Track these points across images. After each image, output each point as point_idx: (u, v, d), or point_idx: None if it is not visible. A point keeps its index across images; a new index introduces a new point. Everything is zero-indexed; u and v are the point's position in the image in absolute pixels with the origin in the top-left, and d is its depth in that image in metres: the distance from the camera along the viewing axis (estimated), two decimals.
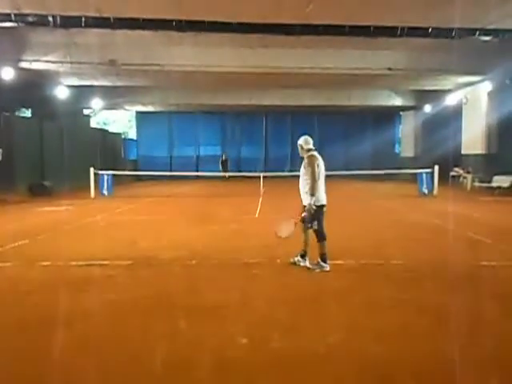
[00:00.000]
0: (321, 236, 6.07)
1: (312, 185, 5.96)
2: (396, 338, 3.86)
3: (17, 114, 21.05)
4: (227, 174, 25.84)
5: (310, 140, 6.32)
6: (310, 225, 6.07)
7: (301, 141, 6.31)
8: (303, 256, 6.30)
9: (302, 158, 6.29)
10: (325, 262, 6.05)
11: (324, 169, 6.23)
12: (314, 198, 5.97)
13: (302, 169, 6.23)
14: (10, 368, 3.38)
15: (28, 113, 22.14)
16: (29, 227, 9.81)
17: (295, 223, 6.12)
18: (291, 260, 6.36)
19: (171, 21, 12.70)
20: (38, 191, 17.21)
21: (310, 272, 5.98)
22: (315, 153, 6.22)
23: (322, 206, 6.13)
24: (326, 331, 4.01)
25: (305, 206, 6.14)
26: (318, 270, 6.00)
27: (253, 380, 3.20)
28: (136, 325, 4.20)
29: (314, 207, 6.00)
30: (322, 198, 6.13)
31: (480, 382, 3.18)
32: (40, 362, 3.48)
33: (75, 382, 3.20)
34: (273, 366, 3.38)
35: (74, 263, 6.42)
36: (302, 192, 6.22)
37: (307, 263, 6.23)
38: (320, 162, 6.15)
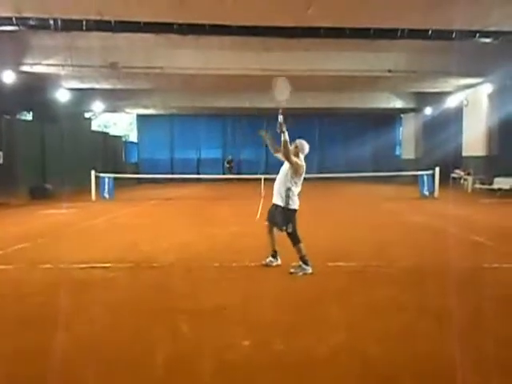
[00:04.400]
0: (295, 239, 5.99)
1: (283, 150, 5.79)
2: (398, 340, 3.85)
3: (18, 117, 21.09)
4: (232, 176, 26.46)
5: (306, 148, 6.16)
6: (284, 227, 5.96)
7: (301, 143, 6.16)
8: (274, 256, 6.31)
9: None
10: (306, 264, 5.97)
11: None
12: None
13: (286, 168, 6.05)
14: (11, 369, 3.38)
15: (29, 116, 22.17)
16: (30, 230, 9.81)
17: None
18: (263, 262, 6.34)
19: (172, 24, 12.73)
20: (40, 194, 17.22)
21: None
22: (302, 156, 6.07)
23: (295, 210, 6.03)
24: (327, 333, 4.01)
25: (277, 207, 6.02)
26: (300, 274, 5.93)
27: (255, 382, 3.20)
28: (137, 327, 4.19)
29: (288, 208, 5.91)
30: (297, 202, 6.05)
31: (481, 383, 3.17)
32: (40, 363, 3.48)
33: (75, 383, 3.21)
34: (274, 367, 3.38)
35: (75, 266, 6.42)
36: (276, 192, 6.07)
37: (279, 261, 6.26)
38: (304, 168, 6.01)
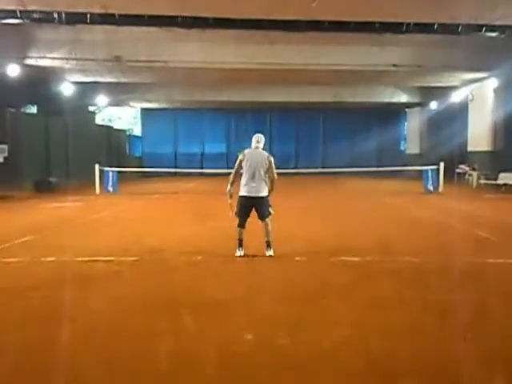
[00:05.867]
0: (238, 223, 6.66)
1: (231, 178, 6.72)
2: (401, 335, 3.84)
3: (23, 110, 21.13)
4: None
5: (260, 139, 6.69)
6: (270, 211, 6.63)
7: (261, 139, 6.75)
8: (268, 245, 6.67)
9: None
10: (238, 247, 6.60)
11: (253, 165, 6.50)
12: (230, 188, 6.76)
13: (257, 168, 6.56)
14: (15, 363, 3.39)
15: (34, 109, 22.21)
16: (34, 223, 9.85)
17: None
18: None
19: (176, 17, 12.69)
20: (44, 187, 17.29)
21: (313, 268, 5.96)
22: (247, 150, 6.66)
23: (242, 196, 6.61)
24: (330, 328, 4.00)
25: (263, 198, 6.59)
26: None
27: (258, 376, 3.21)
28: (141, 320, 4.20)
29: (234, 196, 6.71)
30: (243, 190, 6.57)
31: (484, 380, 3.16)
32: (45, 357, 3.49)
33: (80, 377, 3.21)
34: (277, 361, 3.38)
35: (79, 259, 6.44)
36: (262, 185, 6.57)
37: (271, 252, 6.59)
38: (248, 158, 6.53)
